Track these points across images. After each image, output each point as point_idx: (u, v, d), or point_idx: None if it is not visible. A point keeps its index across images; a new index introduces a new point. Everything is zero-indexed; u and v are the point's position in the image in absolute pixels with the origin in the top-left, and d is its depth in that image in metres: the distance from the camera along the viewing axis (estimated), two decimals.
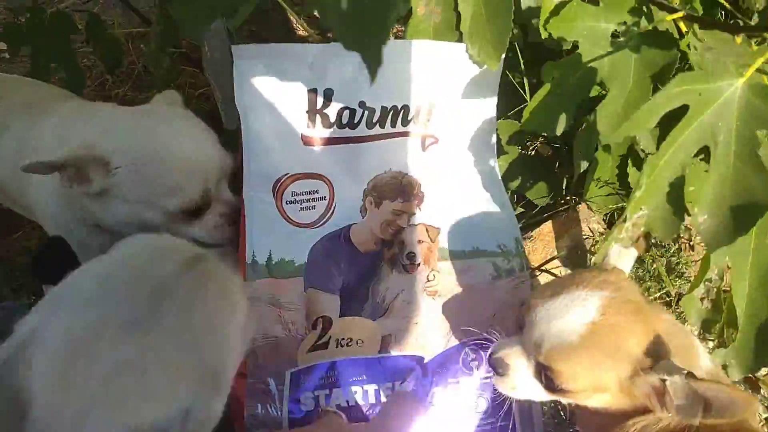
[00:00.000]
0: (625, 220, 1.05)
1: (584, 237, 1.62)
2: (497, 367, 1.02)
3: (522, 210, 1.65)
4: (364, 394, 1.10)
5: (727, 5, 1.29)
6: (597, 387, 0.93)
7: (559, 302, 0.93)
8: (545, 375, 0.96)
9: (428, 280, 1.21)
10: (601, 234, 1.63)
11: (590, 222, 1.65)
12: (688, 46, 1.17)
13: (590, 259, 1.59)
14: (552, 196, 1.62)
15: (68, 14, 1.59)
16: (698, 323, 1.13)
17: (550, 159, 1.68)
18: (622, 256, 1.04)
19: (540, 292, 0.99)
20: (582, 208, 1.64)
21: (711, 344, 1.32)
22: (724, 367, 1.16)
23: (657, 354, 0.90)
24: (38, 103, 1.32)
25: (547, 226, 1.61)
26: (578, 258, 1.59)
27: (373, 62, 0.63)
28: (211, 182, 1.18)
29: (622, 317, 0.92)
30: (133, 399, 0.60)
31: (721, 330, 1.14)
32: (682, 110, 0.97)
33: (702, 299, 1.12)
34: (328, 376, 1.12)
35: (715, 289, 1.12)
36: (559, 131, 1.21)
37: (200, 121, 1.24)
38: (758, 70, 0.91)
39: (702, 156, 1.02)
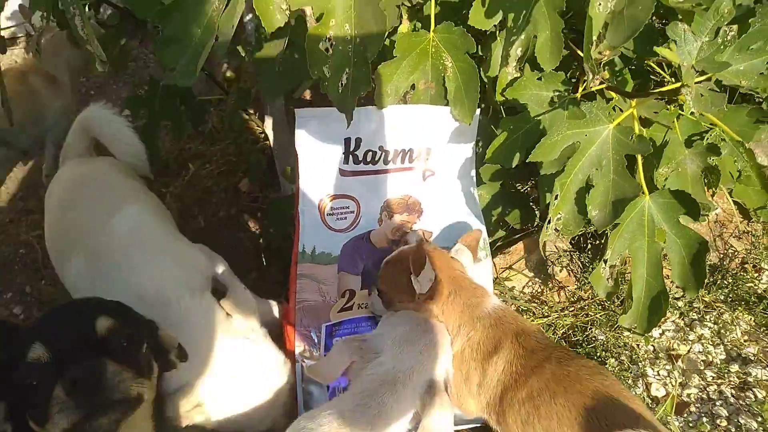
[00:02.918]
0: (549, 222, 1.58)
1: (550, 253, 2.12)
2: None
3: (504, 233, 2.16)
4: None
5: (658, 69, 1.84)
6: None
7: None
8: None
9: None
10: (565, 251, 2.13)
11: (557, 242, 2.15)
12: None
13: (550, 268, 2.09)
14: (526, 220, 2.13)
15: (176, 87, 2.22)
16: (604, 294, 1.62)
17: (524, 193, 2.20)
18: (460, 253, 1.63)
19: None
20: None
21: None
22: (629, 329, 1.64)
23: None
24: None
25: (522, 243, 2.12)
26: (543, 267, 2.09)
27: (348, 117, 1.35)
28: None
29: None
30: (436, 359, 1.32)
31: (621, 301, 1.62)
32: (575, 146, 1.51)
33: (607, 279, 1.61)
34: (352, 328, 1.64)
35: (616, 272, 1.61)
36: (513, 164, 1.73)
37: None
38: (619, 124, 1.46)
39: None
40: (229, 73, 2.98)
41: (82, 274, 1.67)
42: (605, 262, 1.58)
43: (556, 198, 1.52)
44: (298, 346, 1.63)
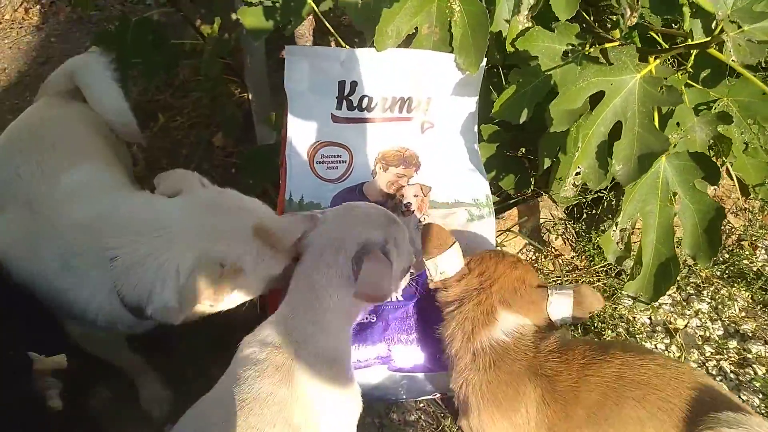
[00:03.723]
0: (567, 177, 1.47)
1: (546, 220, 2.02)
2: None
3: (497, 198, 2.05)
4: None
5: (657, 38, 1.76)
6: None
7: None
8: None
9: (420, 222, 1.60)
10: (561, 219, 2.03)
11: (552, 210, 2.05)
12: None
13: (546, 236, 1.99)
14: (521, 186, 2.03)
15: (149, 18, 2.02)
16: (613, 259, 1.53)
17: (521, 158, 2.09)
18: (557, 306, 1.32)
19: None
20: (546, 198, 2.04)
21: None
22: (635, 298, 1.56)
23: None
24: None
25: (516, 210, 2.02)
26: (537, 235, 1.99)
27: (368, 34, 1.12)
28: None
29: None
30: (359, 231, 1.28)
31: (617, 273, 1.53)
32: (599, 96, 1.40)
33: (617, 243, 1.52)
34: None
35: (627, 236, 1.52)
36: (521, 120, 1.61)
37: None
38: (648, 72, 1.35)
39: None
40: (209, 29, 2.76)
41: (13, 225, 1.46)
42: (616, 225, 1.48)
43: (577, 151, 1.41)
44: None
